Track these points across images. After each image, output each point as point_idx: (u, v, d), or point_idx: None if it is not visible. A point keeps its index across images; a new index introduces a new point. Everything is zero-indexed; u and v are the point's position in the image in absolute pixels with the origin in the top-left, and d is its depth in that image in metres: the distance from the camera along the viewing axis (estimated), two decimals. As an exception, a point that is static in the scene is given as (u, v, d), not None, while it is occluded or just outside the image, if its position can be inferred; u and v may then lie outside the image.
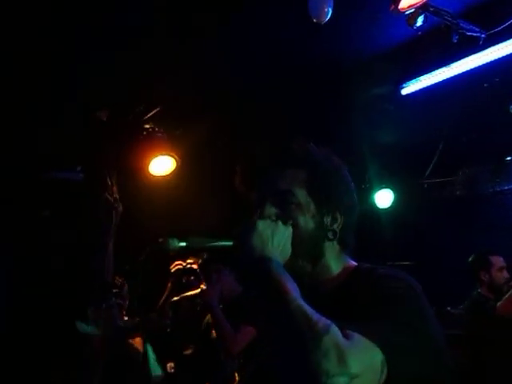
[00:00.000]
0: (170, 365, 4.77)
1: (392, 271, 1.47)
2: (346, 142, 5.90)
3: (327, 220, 1.54)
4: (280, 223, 1.48)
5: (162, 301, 4.86)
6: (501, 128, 5.37)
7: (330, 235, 1.54)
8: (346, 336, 1.17)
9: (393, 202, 6.74)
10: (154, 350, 4.76)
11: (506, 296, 4.25)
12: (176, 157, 5.06)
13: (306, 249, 1.51)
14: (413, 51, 4.37)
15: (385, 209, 6.81)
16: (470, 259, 4.74)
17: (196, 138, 5.30)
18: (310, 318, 1.19)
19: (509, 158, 6.48)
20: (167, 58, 4.19)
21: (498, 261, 4.57)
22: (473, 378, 4.46)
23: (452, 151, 6.06)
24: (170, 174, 5.19)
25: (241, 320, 3.81)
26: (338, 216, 1.56)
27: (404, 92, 4.73)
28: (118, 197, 4.75)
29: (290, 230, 1.48)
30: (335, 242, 1.56)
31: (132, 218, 5.22)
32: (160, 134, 5.08)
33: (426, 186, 6.79)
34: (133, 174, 5.20)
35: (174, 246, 1.48)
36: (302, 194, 1.53)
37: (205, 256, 5.11)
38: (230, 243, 1.51)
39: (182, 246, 1.49)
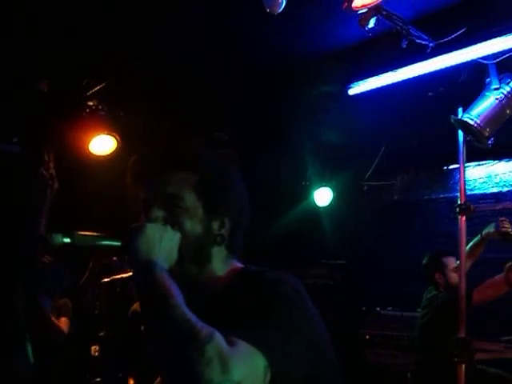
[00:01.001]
0: (94, 347, 4.71)
1: (277, 274, 1.47)
2: (289, 138, 5.96)
3: (215, 225, 1.53)
4: (169, 227, 1.47)
5: (82, 280, 4.80)
6: (441, 137, 5.49)
7: (218, 240, 1.54)
8: (229, 343, 1.19)
9: (331, 201, 6.83)
10: (81, 331, 4.72)
11: (484, 284, 4.35)
12: (117, 137, 4.98)
13: (193, 253, 1.51)
14: (362, 52, 4.42)
15: (323, 207, 6.89)
16: (424, 262, 4.78)
17: (138, 120, 5.23)
18: (194, 326, 1.20)
19: (446, 168, 6.66)
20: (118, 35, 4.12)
21: (451, 261, 4.61)
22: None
23: (393, 155, 6.18)
24: (111, 154, 5.11)
25: None
26: (227, 221, 1.55)
27: (351, 92, 4.77)
28: (54, 173, 4.63)
29: (178, 234, 1.48)
30: (223, 247, 1.56)
31: (69, 197, 5.10)
32: (103, 113, 4.99)
33: (365, 188, 6.90)
34: (72, 151, 5.09)
35: (57, 241, 1.44)
36: (190, 199, 1.52)
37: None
38: (119, 243, 1.49)
39: (66, 243, 1.45)
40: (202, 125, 5.55)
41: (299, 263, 7.08)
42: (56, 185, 4.61)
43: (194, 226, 1.50)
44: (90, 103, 4.91)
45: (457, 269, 4.45)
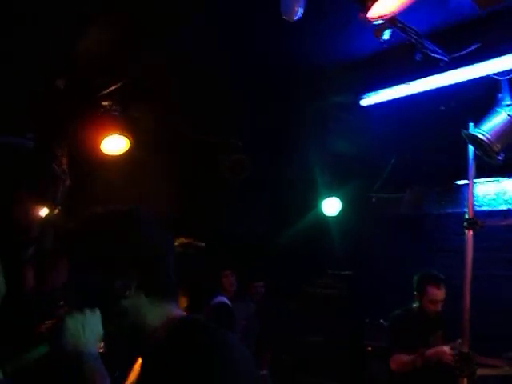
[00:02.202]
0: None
1: (212, 340, 1.41)
2: (300, 147, 5.98)
3: (118, 284, 1.49)
4: (87, 311, 1.49)
5: None
6: (451, 152, 5.50)
7: (128, 294, 1.49)
8: None
9: (340, 211, 6.84)
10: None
11: (401, 357, 4.48)
12: (130, 137, 5.03)
13: (109, 317, 1.51)
14: (376, 64, 4.43)
15: (331, 216, 6.90)
16: (415, 277, 4.81)
17: (151, 121, 5.28)
18: None
19: (455, 183, 6.66)
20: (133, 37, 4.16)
21: (433, 293, 4.62)
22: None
23: (403, 168, 6.19)
24: (123, 154, 5.16)
25: None
26: (133, 273, 1.50)
27: (363, 103, 4.79)
28: (66, 169, 4.68)
29: (97, 313, 1.49)
30: (142, 296, 1.51)
31: (81, 195, 5.15)
32: (116, 113, 5.03)
33: (373, 199, 6.91)
34: (85, 150, 5.14)
35: None
36: (85, 265, 1.52)
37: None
38: (45, 349, 1.49)
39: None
40: (215, 129, 5.60)
41: (306, 272, 7.11)
42: (68, 181, 4.66)
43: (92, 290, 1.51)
44: (105, 103, 4.95)
45: (432, 301, 4.57)
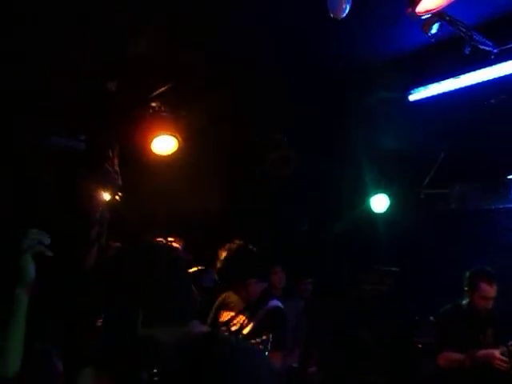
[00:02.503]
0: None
1: (221, 349, 1.43)
2: (348, 143, 5.97)
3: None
4: None
5: None
6: (502, 145, 5.42)
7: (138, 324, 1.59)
8: None
9: (388, 208, 6.80)
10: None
11: (450, 355, 4.43)
12: (179, 137, 5.12)
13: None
14: (424, 58, 4.41)
15: (380, 213, 6.86)
16: (467, 273, 4.74)
17: (200, 121, 5.35)
18: None
19: (506, 178, 6.53)
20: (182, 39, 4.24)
21: (486, 289, 4.53)
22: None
23: (452, 163, 6.12)
24: (172, 154, 5.25)
25: None
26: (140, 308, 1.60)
27: (411, 98, 4.77)
28: (118, 170, 4.79)
29: None
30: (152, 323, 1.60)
31: (132, 195, 5.26)
32: (165, 114, 5.13)
33: (422, 196, 6.83)
34: (135, 150, 5.25)
35: None
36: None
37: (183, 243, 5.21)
38: None
39: None
40: (263, 127, 5.63)
41: (354, 269, 7.09)
42: (120, 181, 4.77)
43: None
44: (154, 104, 5.05)
45: (484, 298, 4.49)
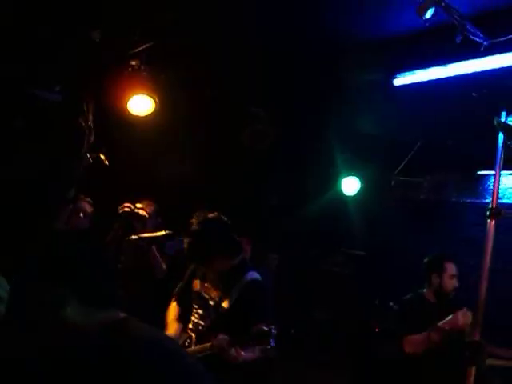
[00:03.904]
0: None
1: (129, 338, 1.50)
2: (325, 123, 5.92)
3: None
4: None
5: (108, 239, 4.85)
6: (478, 140, 5.42)
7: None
8: None
9: (359, 191, 6.80)
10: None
11: (415, 337, 4.42)
12: (156, 98, 5.00)
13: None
14: (413, 44, 4.36)
15: (350, 196, 6.86)
16: (426, 260, 4.83)
17: (179, 83, 5.24)
18: None
19: (478, 173, 6.58)
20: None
21: (452, 268, 4.66)
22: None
23: (427, 152, 6.12)
24: (148, 115, 5.13)
25: None
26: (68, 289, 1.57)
27: (396, 83, 4.72)
28: (91, 125, 4.66)
29: None
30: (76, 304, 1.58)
31: (105, 155, 5.13)
32: (145, 73, 4.99)
33: (393, 182, 6.85)
34: (111, 108, 5.11)
35: None
36: None
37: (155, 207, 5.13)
38: None
39: None
40: (241, 97, 5.54)
41: (320, 249, 7.10)
42: (92, 137, 4.65)
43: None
44: (133, 62, 4.91)
45: (452, 277, 4.61)
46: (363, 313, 6.61)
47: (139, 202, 4.80)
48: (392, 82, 4.72)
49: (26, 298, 1.53)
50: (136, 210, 4.65)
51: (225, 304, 3.64)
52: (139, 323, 1.58)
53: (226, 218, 3.78)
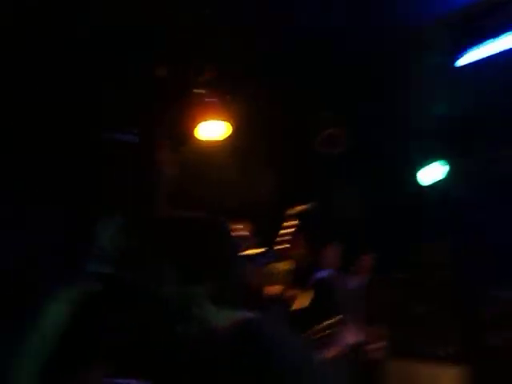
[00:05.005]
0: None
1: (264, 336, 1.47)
2: (397, 114, 5.84)
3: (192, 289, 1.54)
4: None
5: None
6: None
7: (197, 302, 1.55)
8: None
9: (438, 179, 6.63)
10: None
11: None
12: (229, 122, 5.09)
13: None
14: (474, 19, 4.27)
15: (431, 184, 6.70)
16: None
17: (248, 105, 5.30)
18: None
19: None
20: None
21: None
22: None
23: (502, 129, 5.92)
24: (223, 141, 5.23)
25: None
26: (205, 284, 1.56)
27: (462, 62, 4.62)
28: (172, 159, 4.77)
29: None
30: (210, 304, 1.56)
31: (182, 186, 5.24)
32: (213, 100, 5.10)
33: (475, 163, 6.64)
34: (183, 139, 5.23)
35: None
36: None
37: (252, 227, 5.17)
38: None
39: None
40: (307, 104, 5.54)
41: (403, 242, 6.96)
42: (175, 171, 4.76)
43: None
44: (200, 91, 5.02)
45: None
46: (466, 303, 6.43)
47: (236, 224, 4.84)
48: (456, 61, 4.62)
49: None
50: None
51: (300, 304, 3.65)
52: (272, 322, 1.57)
53: None
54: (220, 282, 1.57)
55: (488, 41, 4.44)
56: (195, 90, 5.04)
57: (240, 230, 4.75)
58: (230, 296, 1.58)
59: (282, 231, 3.97)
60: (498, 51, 4.44)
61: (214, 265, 1.58)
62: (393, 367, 6.28)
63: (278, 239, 3.83)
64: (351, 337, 6.01)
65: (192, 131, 5.19)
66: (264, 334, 1.46)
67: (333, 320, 3.42)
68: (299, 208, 3.79)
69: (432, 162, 6.53)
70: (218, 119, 5.07)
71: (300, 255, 3.81)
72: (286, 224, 3.74)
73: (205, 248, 1.60)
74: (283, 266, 3.91)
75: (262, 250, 4.63)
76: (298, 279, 3.91)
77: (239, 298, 1.62)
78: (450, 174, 6.58)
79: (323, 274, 4.02)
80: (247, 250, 4.74)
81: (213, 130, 5.19)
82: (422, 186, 6.76)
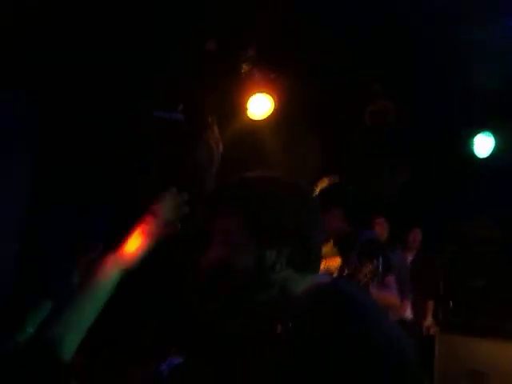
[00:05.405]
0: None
1: (343, 300, 1.41)
2: (442, 87, 5.67)
3: (271, 255, 1.48)
4: None
5: None
6: None
7: (277, 268, 1.48)
8: None
9: (493, 150, 6.44)
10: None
11: None
12: (274, 97, 5.05)
13: (252, 287, 1.50)
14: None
15: (484, 157, 6.52)
16: None
17: (293, 80, 5.24)
18: None
19: None
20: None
21: None
22: None
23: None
24: (269, 116, 5.19)
25: None
26: (285, 249, 1.49)
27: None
28: (218, 137, 4.78)
29: None
30: (289, 271, 1.50)
31: (229, 162, 5.25)
32: (257, 75, 5.06)
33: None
34: (230, 115, 5.22)
35: None
36: (239, 234, 1.51)
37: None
38: None
39: None
40: (354, 79, 5.43)
41: (461, 215, 6.83)
42: (221, 148, 4.77)
43: (246, 261, 1.49)
44: (245, 65, 4.98)
45: None
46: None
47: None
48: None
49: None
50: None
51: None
52: (349, 284, 1.53)
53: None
54: (300, 247, 1.51)
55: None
56: (244, 65, 5.01)
57: None
58: (309, 261, 1.53)
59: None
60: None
61: (296, 230, 1.50)
62: (449, 342, 6.21)
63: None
64: (407, 312, 5.98)
65: (240, 107, 5.17)
66: (342, 295, 1.43)
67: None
68: (327, 181, 3.72)
69: (484, 135, 6.33)
70: (264, 94, 5.03)
71: (339, 231, 3.71)
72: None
73: (286, 212, 1.52)
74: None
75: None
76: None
77: (317, 264, 1.58)
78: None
79: (370, 233, 3.94)
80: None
81: (261, 105, 5.16)
82: (475, 159, 6.58)
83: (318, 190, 3.73)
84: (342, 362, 1.27)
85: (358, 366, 1.26)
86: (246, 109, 5.15)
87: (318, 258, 1.59)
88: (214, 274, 1.52)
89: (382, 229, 5.94)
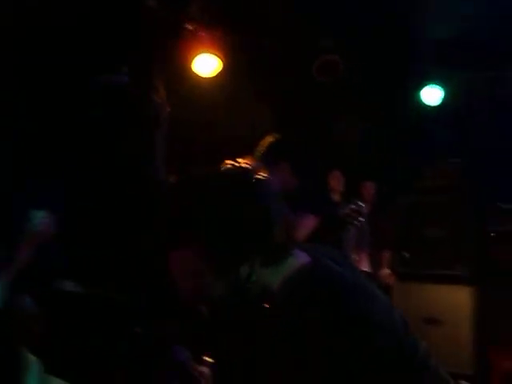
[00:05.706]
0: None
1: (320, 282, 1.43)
2: (395, 36, 5.64)
3: (244, 270, 1.44)
4: None
5: None
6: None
7: (252, 277, 1.45)
8: None
9: (443, 99, 6.49)
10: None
11: None
12: (221, 56, 4.96)
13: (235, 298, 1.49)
14: None
15: (434, 105, 6.56)
16: None
17: (238, 39, 5.16)
18: None
19: None
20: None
21: None
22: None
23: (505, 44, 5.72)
24: (215, 75, 5.11)
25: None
26: (254, 257, 1.46)
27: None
28: (165, 97, 4.68)
29: None
30: (263, 269, 1.47)
31: (176, 122, 5.16)
32: (204, 34, 4.96)
33: (477, 82, 6.47)
34: (176, 74, 5.11)
35: None
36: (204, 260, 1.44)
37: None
38: None
39: None
40: (304, 35, 5.37)
41: (412, 163, 6.89)
42: (168, 108, 4.67)
43: (219, 285, 1.45)
44: (190, 24, 4.88)
45: None
46: (476, 220, 6.41)
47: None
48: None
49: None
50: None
51: None
52: (326, 262, 1.50)
53: None
54: (267, 245, 1.46)
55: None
56: (186, 25, 4.90)
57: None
58: (278, 250, 1.49)
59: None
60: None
61: (258, 235, 1.44)
62: (405, 291, 6.33)
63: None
64: (363, 264, 6.07)
65: (187, 67, 5.07)
66: (315, 278, 1.43)
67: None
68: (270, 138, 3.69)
69: (434, 84, 6.37)
70: (210, 52, 4.94)
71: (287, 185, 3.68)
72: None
73: (241, 211, 1.44)
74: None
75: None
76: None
77: (286, 251, 1.51)
78: (456, 94, 6.41)
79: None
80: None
81: (207, 64, 5.07)
82: (425, 108, 6.62)
83: (265, 146, 3.70)
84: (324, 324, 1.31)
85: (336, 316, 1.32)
86: (192, 68, 5.05)
87: (286, 239, 1.51)
88: (193, 300, 1.53)
89: (337, 182, 5.97)
